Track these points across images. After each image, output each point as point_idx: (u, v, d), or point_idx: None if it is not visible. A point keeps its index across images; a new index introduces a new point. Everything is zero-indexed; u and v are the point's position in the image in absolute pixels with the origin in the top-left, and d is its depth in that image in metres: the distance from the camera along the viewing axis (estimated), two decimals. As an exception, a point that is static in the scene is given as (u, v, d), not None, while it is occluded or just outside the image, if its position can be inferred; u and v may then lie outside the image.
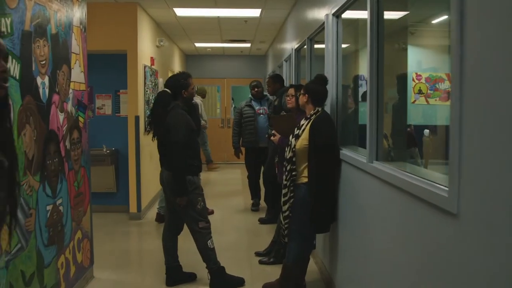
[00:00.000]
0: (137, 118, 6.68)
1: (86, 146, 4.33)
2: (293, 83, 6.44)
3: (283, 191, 3.85)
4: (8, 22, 2.77)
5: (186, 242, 4.58)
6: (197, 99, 7.22)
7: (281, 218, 3.95)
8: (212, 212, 6.78)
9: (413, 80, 4.58)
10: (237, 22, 8.32)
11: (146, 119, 7.04)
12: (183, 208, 4.06)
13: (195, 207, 4.09)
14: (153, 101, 5.73)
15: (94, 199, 6.70)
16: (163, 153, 4.23)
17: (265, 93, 7.25)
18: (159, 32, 8.53)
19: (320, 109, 3.80)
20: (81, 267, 4.09)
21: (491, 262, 1.60)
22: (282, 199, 3.87)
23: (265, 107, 7.02)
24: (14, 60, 2.83)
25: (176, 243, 4.37)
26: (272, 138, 4.49)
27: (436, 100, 4.64)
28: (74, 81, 3.97)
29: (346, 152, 3.64)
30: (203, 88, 11.23)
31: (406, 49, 4.24)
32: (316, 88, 3.79)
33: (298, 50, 6.58)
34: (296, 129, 3.85)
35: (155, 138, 4.44)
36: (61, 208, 3.64)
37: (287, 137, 4.02)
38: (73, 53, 3.95)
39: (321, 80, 3.82)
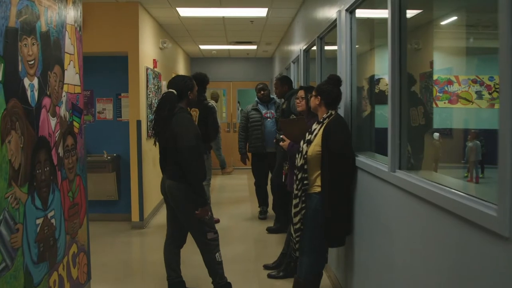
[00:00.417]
0: (139, 123, 6.40)
1: (82, 153, 4.04)
2: (302, 85, 6.15)
3: (294, 202, 3.55)
4: (-11, 17, 2.49)
5: (189, 254, 4.29)
6: (212, 103, 6.89)
7: (292, 230, 3.64)
8: (218, 221, 6.49)
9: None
10: (243, 22, 8.04)
11: (148, 123, 6.76)
12: (190, 220, 3.78)
13: (203, 218, 3.81)
14: (156, 104, 5.42)
15: (94, 207, 6.51)
16: (166, 160, 3.94)
17: (272, 95, 6.97)
18: (162, 34, 8.26)
19: (333, 112, 3.50)
20: (77, 284, 3.80)
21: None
22: (293, 210, 3.57)
23: (272, 111, 6.73)
24: (-4, 60, 2.55)
25: (179, 256, 4.08)
26: (281, 143, 4.17)
27: (445, 103, 4.43)
28: (68, 83, 3.69)
29: (362, 159, 3.34)
30: (216, 92, 11.01)
31: (419, 49, 3.99)
32: (330, 90, 3.49)
33: (306, 51, 6.29)
34: (307, 134, 3.55)
35: (157, 143, 4.12)
36: (53, 221, 3.36)
37: (297, 143, 3.72)
38: (67, 53, 3.67)
39: (335, 81, 3.52)
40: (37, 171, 3.10)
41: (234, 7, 6.93)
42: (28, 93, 2.97)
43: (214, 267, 3.89)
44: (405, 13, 2.73)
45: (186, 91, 3.89)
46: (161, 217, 6.81)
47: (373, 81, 4.14)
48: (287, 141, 4.07)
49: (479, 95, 6.10)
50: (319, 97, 3.51)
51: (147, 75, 6.81)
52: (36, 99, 3.08)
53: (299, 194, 3.51)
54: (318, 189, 3.44)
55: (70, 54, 3.75)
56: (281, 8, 6.95)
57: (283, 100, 5.98)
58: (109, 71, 6.66)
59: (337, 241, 3.56)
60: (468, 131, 5.43)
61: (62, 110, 3.56)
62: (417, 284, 2.29)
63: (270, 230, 6.13)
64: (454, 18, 4.00)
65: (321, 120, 3.49)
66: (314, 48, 5.53)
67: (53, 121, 3.36)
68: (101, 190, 6.54)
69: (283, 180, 4.65)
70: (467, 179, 5.04)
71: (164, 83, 7.98)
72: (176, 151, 3.70)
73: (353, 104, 3.81)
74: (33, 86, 3.04)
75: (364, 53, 4.77)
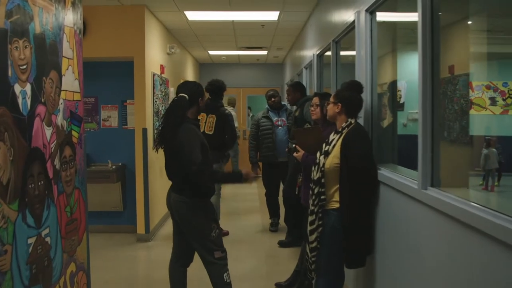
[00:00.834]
0: (145, 131, 6.14)
1: (82, 164, 3.76)
2: (316, 91, 5.86)
3: (310, 218, 3.26)
4: (-27, 16, 2.24)
5: (197, 271, 3.99)
6: (229, 109, 6.59)
7: (307, 249, 3.35)
8: (227, 233, 6.20)
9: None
10: (253, 26, 7.77)
11: (155, 131, 6.50)
12: (196, 237, 3.51)
13: (209, 236, 3.52)
14: (164, 110, 5.11)
15: (98, 218, 6.25)
16: (172, 172, 3.66)
17: (284, 102, 6.69)
18: (170, 38, 8.01)
19: (353, 121, 3.21)
20: (75, 305, 3.52)
21: None
22: (309, 228, 3.27)
23: (284, 118, 6.45)
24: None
25: (185, 275, 3.79)
26: (295, 154, 3.86)
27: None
28: (66, 90, 3.42)
29: (385, 173, 3.04)
30: (233, 98, 10.72)
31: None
32: (353, 96, 3.19)
33: (320, 56, 6.00)
34: (324, 144, 3.27)
35: (162, 150, 3.82)
36: (48, 239, 3.08)
37: (312, 154, 3.43)
38: (65, 57, 3.41)
39: (357, 86, 3.23)
40: (30, 186, 2.82)
41: (244, 10, 6.67)
42: (20, 100, 2.70)
43: (222, 288, 3.60)
44: (437, 15, 2.45)
45: (198, 97, 3.61)
46: (168, 228, 6.50)
47: (395, 87, 3.84)
48: (301, 152, 3.77)
49: (493, 101, 5.79)
50: (339, 104, 3.21)
51: (153, 81, 6.56)
52: (29, 107, 2.81)
53: (315, 210, 3.22)
54: (337, 205, 3.15)
55: (68, 58, 3.49)
56: (293, 11, 6.68)
57: (295, 107, 5.70)
58: (114, 77, 6.41)
59: (356, 261, 3.26)
60: (482, 138, 5.13)
61: (59, 119, 3.29)
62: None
63: (281, 244, 5.82)
64: (469, 22, 3.72)
65: (340, 130, 3.21)
66: (328, 53, 5.25)
67: (48, 131, 3.09)
68: (105, 200, 6.28)
69: (296, 193, 4.35)
70: (482, 187, 4.74)
71: (172, 90, 7.72)
72: (180, 164, 3.43)
73: (373, 113, 3.52)
74: (25, 93, 2.77)
75: (382, 56, 4.50)
